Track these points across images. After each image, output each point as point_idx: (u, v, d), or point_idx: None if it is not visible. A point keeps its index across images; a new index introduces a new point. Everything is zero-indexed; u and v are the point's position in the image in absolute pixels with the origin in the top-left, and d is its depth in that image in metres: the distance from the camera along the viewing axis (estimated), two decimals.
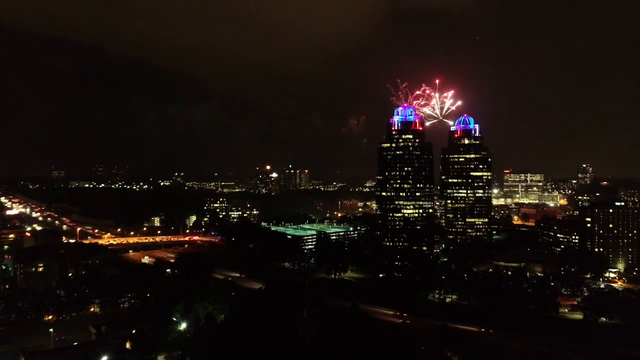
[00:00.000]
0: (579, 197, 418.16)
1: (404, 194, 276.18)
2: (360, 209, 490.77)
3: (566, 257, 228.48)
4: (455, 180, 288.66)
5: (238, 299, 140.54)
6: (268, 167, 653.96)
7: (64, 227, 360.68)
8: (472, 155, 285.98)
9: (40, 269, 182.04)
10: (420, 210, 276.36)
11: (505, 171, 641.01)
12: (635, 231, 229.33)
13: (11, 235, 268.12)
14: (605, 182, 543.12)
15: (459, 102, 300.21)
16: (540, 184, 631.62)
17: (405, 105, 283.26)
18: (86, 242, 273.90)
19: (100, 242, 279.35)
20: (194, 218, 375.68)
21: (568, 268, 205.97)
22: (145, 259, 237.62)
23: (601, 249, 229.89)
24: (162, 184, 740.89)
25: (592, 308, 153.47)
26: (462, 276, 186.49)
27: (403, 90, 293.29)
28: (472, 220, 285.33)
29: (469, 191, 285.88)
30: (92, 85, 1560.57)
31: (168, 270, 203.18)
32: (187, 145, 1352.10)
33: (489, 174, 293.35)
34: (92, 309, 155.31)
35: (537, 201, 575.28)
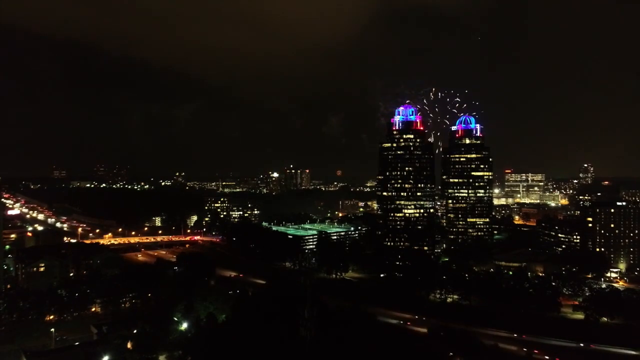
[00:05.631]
0: (580, 197, 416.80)
1: (405, 193, 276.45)
2: (361, 209, 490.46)
3: (567, 257, 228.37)
4: (456, 180, 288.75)
5: (239, 299, 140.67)
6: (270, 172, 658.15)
7: (65, 227, 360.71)
8: (473, 155, 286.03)
9: (42, 269, 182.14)
10: (421, 210, 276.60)
11: (507, 171, 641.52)
12: (636, 231, 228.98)
13: (12, 235, 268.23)
14: (606, 182, 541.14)
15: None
16: (542, 183, 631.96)
17: (406, 105, 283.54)
18: (87, 242, 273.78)
19: (101, 242, 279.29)
20: (195, 218, 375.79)
21: (569, 268, 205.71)
22: (147, 259, 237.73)
23: (602, 249, 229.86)
24: (163, 183, 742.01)
25: (594, 308, 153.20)
26: (463, 276, 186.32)
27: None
28: (473, 220, 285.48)
29: (470, 191, 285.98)
30: (93, 85, 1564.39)
31: (169, 270, 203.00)
32: (188, 145, 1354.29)
33: (490, 173, 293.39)
34: (93, 309, 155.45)
35: (538, 201, 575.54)
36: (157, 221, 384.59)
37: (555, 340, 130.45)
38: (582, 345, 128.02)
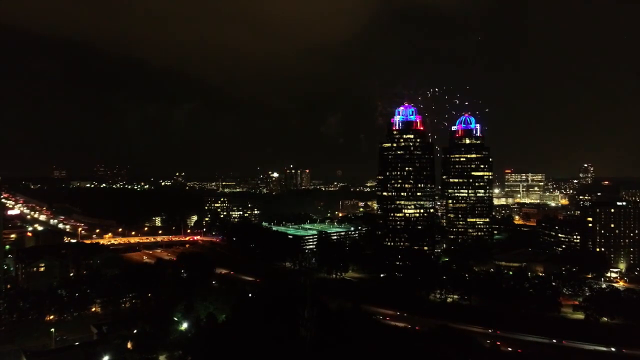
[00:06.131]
0: (580, 197, 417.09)
1: (405, 193, 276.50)
2: (361, 209, 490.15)
3: (567, 257, 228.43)
4: (456, 180, 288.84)
5: (239, 299, 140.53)
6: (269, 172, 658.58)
7: (66, 227, 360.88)
8: (473, 155, 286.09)
9: (42, 269, 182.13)
10: (422, 210, 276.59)
11: (507, 171, 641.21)
12: (636, 231, 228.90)
13: (13, 235, 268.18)
14: (606, 182, 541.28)
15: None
16: (542, 183, 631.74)
17: (407, 104, 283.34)
18: (87, 242, 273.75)
19: (101, 242, 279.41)
20: (195, 218, 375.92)
21: (569, 268, 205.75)
22: (147, 259, 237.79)
23: (602, 249, 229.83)
24: (163, 183, 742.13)
25: (594, 308, 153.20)
26: (463, 276, 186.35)
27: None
28: (473, 220, 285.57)
29: (470, 191, 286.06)
30: (93, 85, 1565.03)
31: (169, 270, 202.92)
32: (188, 145, 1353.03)
33: (490, 173, 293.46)
34: (93, 309, 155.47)
35: (538, 201, 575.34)
36: (157, 221, 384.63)
37: (554, 340, 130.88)
38: (554, 341, 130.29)
